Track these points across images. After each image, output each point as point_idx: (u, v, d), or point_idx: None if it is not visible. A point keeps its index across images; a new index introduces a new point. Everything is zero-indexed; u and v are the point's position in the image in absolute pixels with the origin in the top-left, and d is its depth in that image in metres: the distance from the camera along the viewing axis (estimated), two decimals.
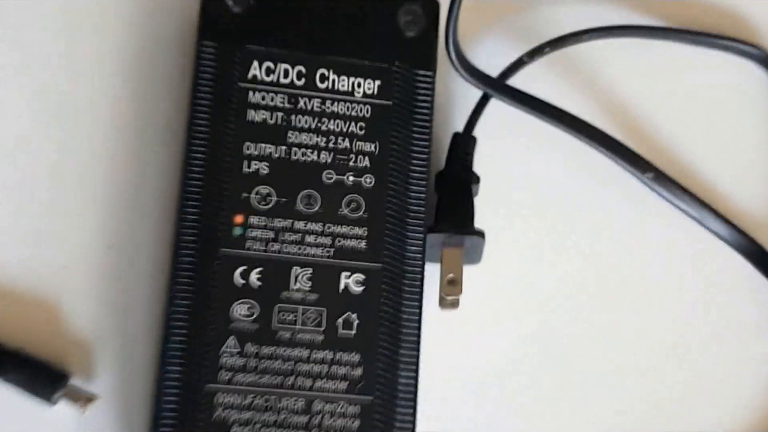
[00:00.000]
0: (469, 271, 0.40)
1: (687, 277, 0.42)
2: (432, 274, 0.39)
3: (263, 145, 0.38)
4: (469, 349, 0.41)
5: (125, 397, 0.38)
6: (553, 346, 0.41)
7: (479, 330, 0.41)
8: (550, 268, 0.42)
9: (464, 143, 0.41)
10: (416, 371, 0.38)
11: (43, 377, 0.37)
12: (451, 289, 0.40)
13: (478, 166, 0.41)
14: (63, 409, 0.37)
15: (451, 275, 0.40)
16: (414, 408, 0.38)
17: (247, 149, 0.38)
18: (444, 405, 0.40)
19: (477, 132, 0.41)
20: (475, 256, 0.41)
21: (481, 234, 0.40)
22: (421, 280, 0.39)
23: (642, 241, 0.42)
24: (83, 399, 0.37)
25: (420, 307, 0.38)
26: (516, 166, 0.42)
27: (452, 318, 0.40)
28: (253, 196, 0.38)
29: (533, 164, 0.42)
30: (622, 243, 0.42)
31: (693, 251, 0.42)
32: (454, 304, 0.40)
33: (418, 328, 0.38)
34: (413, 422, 0.38)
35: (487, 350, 0.41)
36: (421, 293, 0.39)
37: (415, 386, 0.38)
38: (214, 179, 0.38)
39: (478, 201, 0.40)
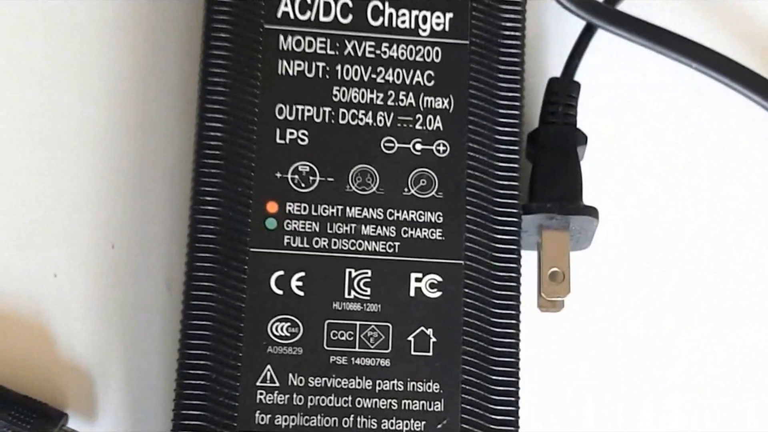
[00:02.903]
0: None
1: None
2: (527, 265, 0.32)
3: (301, 106, 0.31)
4: (575, 360, 0.34)
5: None
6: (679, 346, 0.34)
7: (586, 333, 0.34)
8: (672, 249, 0.35)
9: (565, 91, 0.34)
10: (516, 401, 0.30)
11: (31, 418, 0.31)
12: (554, 287, 0.32)
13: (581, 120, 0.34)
14: None
15: (554, 268, 0.32)
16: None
17: (280, 113, 0.31)
18: None
19: (578, 76, 0.34)
20: (583, 241, 0.33)
21: (593, 212, 0.32)
22: (518, 277, 0.31)
23: None
24: None
25: (518, 314, 0.31)
26: (629, 119, 0.35)
27: (554, 321, 0.33)
28: (290, 175, 0.31)
29: (651, 115, 0.36)
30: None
31: None
32: (558, 306, 0.32)
33: (516, 343, 0.31)
34: None
35: (596, 359, 0.34)
36: (518, 295, 0.31)
37: (516, 423, 0.30)
38: (237, 155, 0.31)
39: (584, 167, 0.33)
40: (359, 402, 0.30)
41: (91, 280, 0.32)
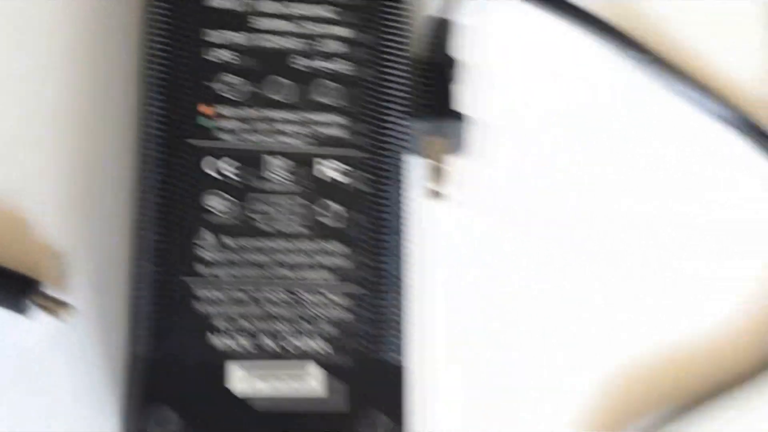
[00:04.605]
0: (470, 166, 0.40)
1: (686, 160, 0.42)
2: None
3: (225, 32, 0.38)
4: (467, 245, 0.40)
5: (102, 306, 0.37)
6: (550, 239, 0.41)
7: (480, 226, 0.40)
8: (550, 160, 0.41)
9: (438, 26, 0.41)
10: (402, 258, 0.37)
11: (11, 284, 0.36)
12: (434, 179, 0.39)
13: (484, 58, 0.41)
14: (39, 327, 0.37)
15: (432, 163, 0.39)
16: (401, 296, 0.37)
17: (210, 36, 0.38)
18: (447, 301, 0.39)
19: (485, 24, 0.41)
20: (460, 144, 0.40)
21: (462, 117, 0.39)
22: (400, 165, 0.38)
23: (641, 129, 0.42)
24: (58, 306, 0.36)
25: (401, 193, 0.38)
26: (517, 57, 0.42)
27: (449, 213, 0.40)
28: (219, 84, 0.37)
29: (533, 54, 0.42)
30: (620, 130, 0.42)
31: (691, 134, 0.43)
32: (439, 195, 0.39)
33: (401, 214, 0.37)
34: (400, 310, 0.36)
35: (487, 246, 0.40)
36: (401, 178, 0.38)
37: (402, 273, 0.37)
38: (177, 70, 0.37)
39: (482, 99, 0.40)
40: (278, 256, 0.36)
41: (61, 180, 0.37)
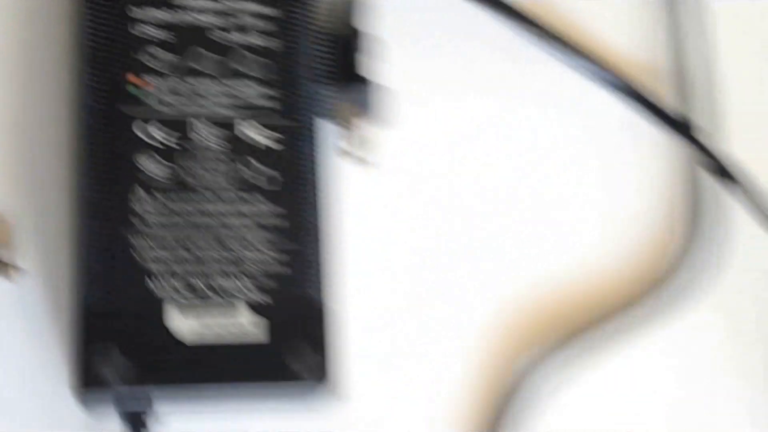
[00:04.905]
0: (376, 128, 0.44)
1: (568, 122, 0.47)
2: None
3: (150, 9, 0.42)
4: (374, 197, 0.44)
5: (48, 265, 0.40)
6: (447, 190, 0.46)
7: (396, 190, 0.45)
8: (449, 122, 0.46)
9: (343, 1, 0.45)
10: (318, 209, 0.41)
11: None
12: (344, 139, 0.43)
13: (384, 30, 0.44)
14: None
15: (342, 125, 0.43)
16: (319, 242, 0.41)
17: (134, 13, 0.41)
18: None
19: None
20: (367, 107, 0.43)
21: (364, 82, 0.43)
22: (313, 126, 0.42)
23: (538, 95, 0.47)
24: (7, 267, 0.39)
25: (314, 152, 0.42)
26: (425, 34, 0.46)
27: (358, 169, 0.44)
28: (144, 56, 0.41)
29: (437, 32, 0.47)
30: (508, 97, 0.47)
31: (572, 97, 0.47)
32: (349, 154, 0.43)
33: (315, 170, 0.41)
34: (319, 255, 0.40)
35: (391, 196, 0.45)
36: (314, 138, 0.42)
37: (319, 222, 0.41)
38: (106, 43, 0.41)
39: (386, 67, 0.44)
40: (206, 206, 0.40)
41: (2, 148, 0.41)
